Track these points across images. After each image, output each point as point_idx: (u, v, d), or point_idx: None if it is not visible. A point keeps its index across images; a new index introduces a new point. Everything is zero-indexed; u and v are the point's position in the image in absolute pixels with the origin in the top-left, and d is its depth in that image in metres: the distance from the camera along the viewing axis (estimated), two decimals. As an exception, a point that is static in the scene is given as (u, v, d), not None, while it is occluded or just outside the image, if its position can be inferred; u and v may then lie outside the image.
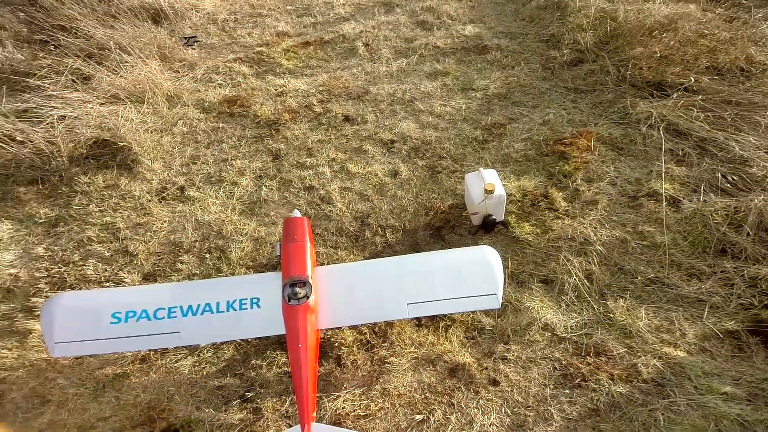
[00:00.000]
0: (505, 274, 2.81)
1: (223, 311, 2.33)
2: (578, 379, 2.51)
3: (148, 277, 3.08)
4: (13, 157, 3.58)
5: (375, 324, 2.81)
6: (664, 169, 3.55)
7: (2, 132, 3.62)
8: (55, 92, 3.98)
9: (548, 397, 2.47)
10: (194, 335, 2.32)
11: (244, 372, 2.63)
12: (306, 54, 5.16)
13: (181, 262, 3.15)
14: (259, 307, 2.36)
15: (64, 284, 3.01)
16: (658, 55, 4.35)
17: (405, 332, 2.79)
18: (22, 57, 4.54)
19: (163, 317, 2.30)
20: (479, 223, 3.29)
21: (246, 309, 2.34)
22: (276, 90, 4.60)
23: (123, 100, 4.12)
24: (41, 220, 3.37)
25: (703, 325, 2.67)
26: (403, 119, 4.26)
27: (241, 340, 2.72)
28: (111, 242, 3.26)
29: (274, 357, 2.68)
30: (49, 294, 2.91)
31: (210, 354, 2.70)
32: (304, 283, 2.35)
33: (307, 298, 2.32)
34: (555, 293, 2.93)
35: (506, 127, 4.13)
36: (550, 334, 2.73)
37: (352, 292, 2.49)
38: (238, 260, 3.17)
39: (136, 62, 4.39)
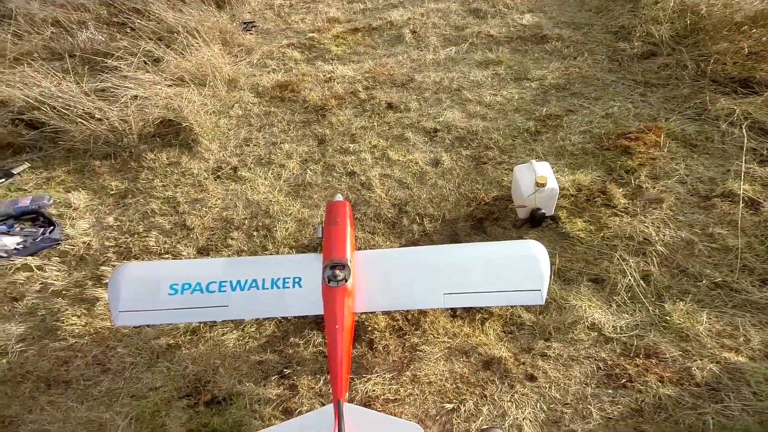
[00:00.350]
0: (551, 270, 2.93)
1: (268, 288, 2.62)
2: (624, 380, 2.62)
3: (202, 251, 3.54)
4: (91, 133, 4.27)
5: (408, 312, 3.07)
6: (744, 169, 3.57)
7: (84, 109, 4.32)
8: (129, 73, 4.69)
9: (588, 396, 2.60)
10: (241, 310, 2.61)
11: (283, 349, 2.96)
12: (354, 40, 5.65)
13: (232, 239, 3.60)
14: (300, 286, 2.63)
15: (129, 254, 3.53)
16: (746, 51, 4.38)
17: (439, 322, 3.02)
18: (102, 38, 5.37)
19: (214, 291, 2.60)
20: (526, 217, 3.47)
21: (288, 288, 2.62)
22: (324, 76, 5.10)
23: (187, 82, 4.77)
24: (112, 192, 4.01)
25: (772, 331, 2.70)
26: (449, 108, 4.56)
27: (282, 317, 3.08)
28: (171, 215, 3.80)
29: (311, 336, 3.01)
30: (116, 263, 3.43)
31: (253, 329, 3.07)
32: (344, 266, 2.60)
33: (346, 281, 2.57)
34: (605, 293, 3.05)
35: (563, 119, 4.30)
36: (596, 333, 2.86)
37: (389, 278, 2.70)
38: (282, 240, 3.57)
39: (200, 46, 5.05)
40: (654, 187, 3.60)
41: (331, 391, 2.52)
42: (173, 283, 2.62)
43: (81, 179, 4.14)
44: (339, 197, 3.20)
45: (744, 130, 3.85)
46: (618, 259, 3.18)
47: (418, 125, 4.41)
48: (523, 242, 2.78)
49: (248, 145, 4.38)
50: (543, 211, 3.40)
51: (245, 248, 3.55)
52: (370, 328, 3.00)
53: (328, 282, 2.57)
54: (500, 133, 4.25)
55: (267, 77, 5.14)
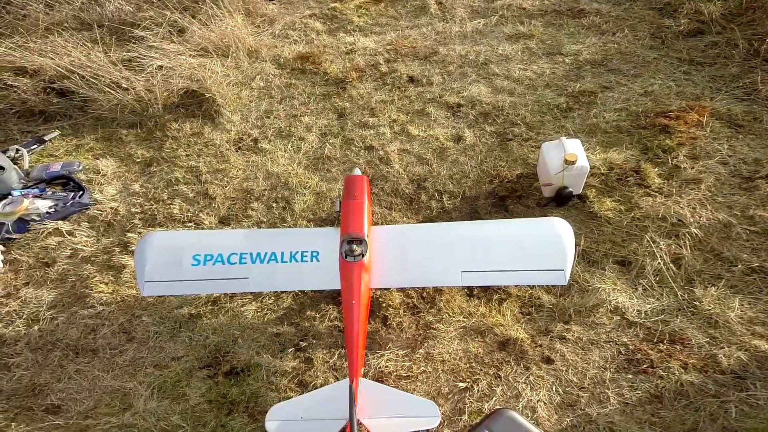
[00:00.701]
0: (575, 251, 2.89)
1: (287, 261, 2.67)
2: (645, 365, 2.59)
3: (223, 221, 3.67)
4: (118, 102, 4.47)
5: (424, 289, 3.11)
6: (794, 150, 3.43)
7: (111, 79, 4.51)
8: (155, 43, 4.85)
9: (607, 380, 2.58)
10: (260, 283, 2.69)
11: (300, 322, 3.06)
12: (377, 11, 5.62)
13: (252, 209, 3.71)
14: (318, 260, 2.68)
15: (154, 221, 3.69)
16: None
17: (455, 301, 3.05)
18: (130, 8, 5.54)
19: (235, 263, 2.67)
20: (551, 195, 3.44)
21: (306, 261, 2.67)
22: (346, 48, 5.12)
23: (211, 53, 4.90)
24: (138, 160, 4.19)
25: (810, 320, 2.61)
26: (474, 82, 4.51)
27: (299, 291, 3.18)
28: (194, 184, 3.95)
29: (327, 310, 3.09)
30: (142, 230, 3.60)
31: (271, 301, 3.17)
32: (361, 241, 2.63)
33: (363, 256, 2.60)
34: (632, 276, 3.00)
35: (597, 96, 4.20)
36: (619, 317, 2.83)
37: (406, 254, 2.72)
38: (301, 212, 3.66)
39: (224, 16, 5.15)
40: (693, 168, 3.50)
41: (346, 365, 2.59)
42: (196, 253, 2.69)
43: (109, 147, 4.33)
44: (357, 171, 3.24)
45: (798, 110, 3.69)
46: (648, 240, 3.12)
47: (440, 100, 4.39)
48: (547, 220, 2.73)
49: (269, 117, 4.47)
50: (570, 189, 3.35)
51: (264, 219, 3.65)
52: (384, 305, 3.05)
53: (345, 257, 2.61)
54: (528, 109, 4.18)
55: (288, 48, 5.20)
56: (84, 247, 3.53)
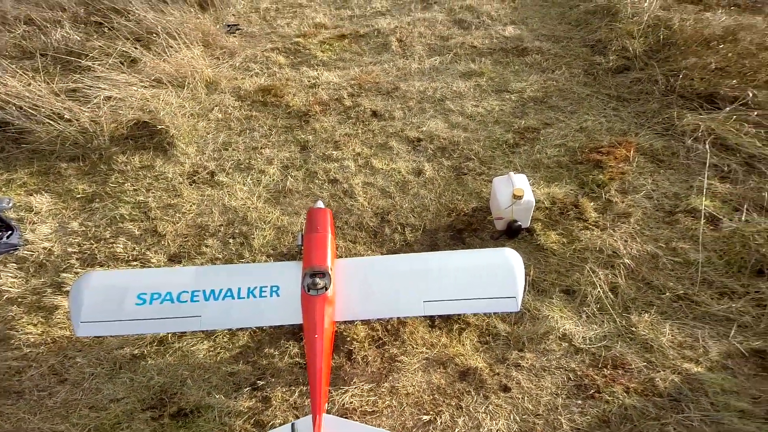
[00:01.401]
0: (526, 281, 3.00)
1: (244, 297, 2.53)
2: (592, 391, 2.68)
3: (174, 259, 3.44)
4: (59, 134, 4.07)
5: (388, 321, 3.06)
6: (706, 185, 3.67)
7: (52, 110, 4.12)
8: (103, 74, 4.50)
9: (559, 407, 2.65)
10: (214, 320, 2.52)
11: (257, 360, 2.88)
12: (341, 47, 5.57)
13: (206, 246, 3.50)
14: (278, 295, 2.55)
15: (94, 261, 3.39)
16: (713, 66, 4.47)
17: (418, 332, 3.03)
18: (78, 38, 5.13)
19: (186, 300, 2.51)
20: (503, 229, 3.50)
21: (266, 297, 2.54)
22: (309, 81, 5.02)
23: (165, 84, 4.61)
24: (79, 196, 3.82)
25: (728, 343, 2.79)
26: (432, 118, 4.55)
27: (257, 327, 3.00)
28: (142, 221, 3.65)
29: (287, 347, 2.95)
30: (79, 270, 3.28)
31: (225, 340, 2.99)
32: (324, 274, 2.53)
33: (326, 289, 2.50)
34: (576, 304, 3.11)
35: (540, 132, 4.34)
36: (567, 344, 2.91)
37: (370, 286, 2.66)
38: (260, 247, 3.50)
39: (180, 47, 4.89)
40: (623, 202, 3.67)
41: (309, 402, 2.48)
42: (141, 292, 2.51)
43: (45, 182, 3.94)
44: (320, 204, 3.13)
45: (707, 146, 3.95)
46: (588, 271, 3.24)
47: (402, 134, 4.39)
48: (499, 250, 2.79)
49: (227, 150, 4.26)
50: (519, 223, 3.43)
51: (220, 256, 3.46)
52: (349, 339, 2.98)
53: (308, 290, 2.51)
54: (480, 144, 4.26)
55: (249, 81, 5.02)
56: (10, 288, 3.20)
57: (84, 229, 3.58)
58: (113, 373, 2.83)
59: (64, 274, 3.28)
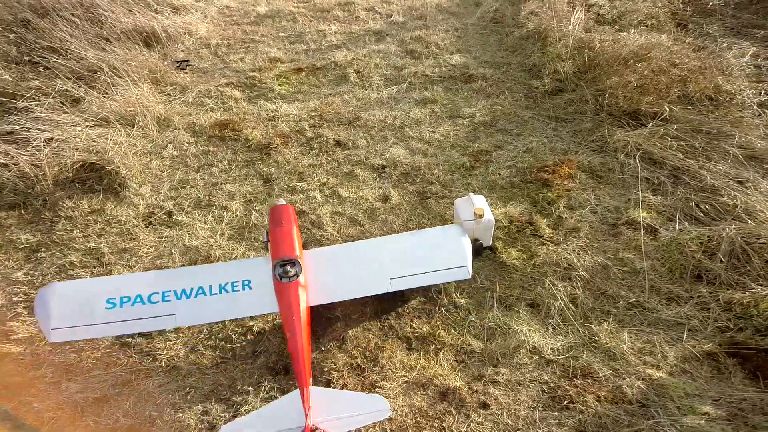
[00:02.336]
0: (493, 297, 3.08)
1: (216, 293, 2.50)
2: (566, 401, 2.60)
3: None
4: None
5: (366, 348, 2.86)
6: (641, 198, 3.75)
7: None
8: (42, 114, 3.98)
9: (537, 420, 2.54)
10: (189, 317, 2.46)
11: (230, 397, 2.62)
12: (298, 80, 5.33)
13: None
14: (251, 288, 2.55)
15: None
16: (634, 84, 4.58)
17: (396, 356, 2.84)
18: (10, 78, 4.53)
19: (158, 301, 2.45)
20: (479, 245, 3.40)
21: (238, 291, 2.53)
22: (268, 114, 4.72)
23: (113, 123, 4.14)
24: (22, 246, 3.32)
25: (683, 347, 2.81)
26: (394, 145, 4.42)
27: (225, 358, 2.76)
28: (94, 267, 3.23)
29: (261, 382, 2.68)
30: (27, 318, 2.88)
31: (194, 379, 2.69)
32: (294, 263, 2.57)
33: (297, 276, 2.53)
34: (542, 317, 3.04)
35: (492, 154, 4.32)
36: (537, 356, 2.83)
37: (338, 271, 2.73)
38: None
39: (127, 85, 4.44)
40: (571, 217, 3.68)
41: (296, 381, 2.33)
42: (110, 297, 2.43)
43: None
44: (281, 201, 3.07)
45: (638, 161, 4.06)
46: (549, 284, 3.20)
47: (366, 162, 4.22)
48: (447, 227, 3.05)
49: (185, 188, 3.88)
50: (481, 242, 3.35)
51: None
52: (327, 369, 2.75)
53: (280, 279, 2.52)
54: (440, 168, 4.17)
55: (204, 116, 4.65)
56: None
57: (30, 278, 3.13)
58: (75, 418, 2.48)
59: (11, 323, 2.87)
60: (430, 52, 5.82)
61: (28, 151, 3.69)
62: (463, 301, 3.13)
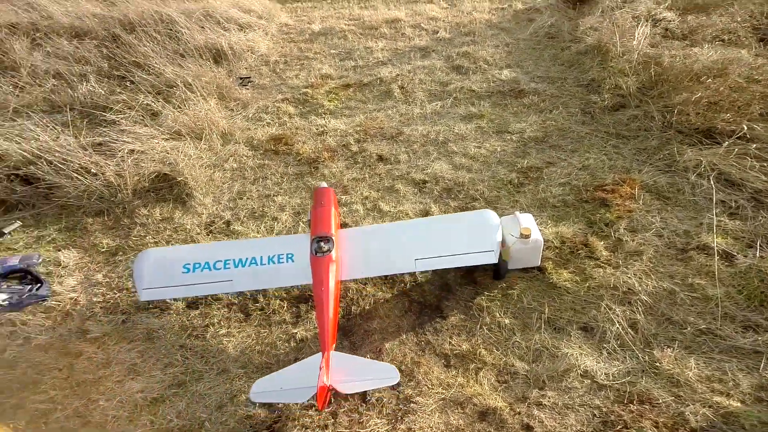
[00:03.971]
0: (541, 319, 3.19)
1: (265, 264, 3.07)
2: (619, 427, 2.59)
3: (191, 306, 3.47)
4: (86, 188, 4.19)
5: (402, 362, 3.03)
6: (715, 222, 3.69)
7: (80, 164, 4.26)
8: (127, 127, 4.70)
9: (587, 446, 2.56)
10: (243, 284, 3.07)
11: (273, 404, 2.85)
12: (346, 96, 5.90)
13: (223, 294, 3.50)
14: (293, 261, 3.07)
15: (116, 309, 3.45)
16: (706, 101, 4.59)
17: (432, 372, 2.98)
18: (102, 92, 5.42)
19: (220, 268, 3.06)
20: (514, 268, 3.51)
21: (283, 263, 3.07)
22: (317, 129, 5.27)
23: (184, 136, 4.82)
24: (103, 250, 3.89)
25: (759, 375, 2.73)
26: (436, 160, 4.72)
27: (269, 363, 3.11)
28: None
29: None
30: (102, 319, 3.34)
31: (242, 382, 2.99)
32: (328, 239, 3.05)
33: (330, 251, 3.01)
34: (596, 341, 3.08)
35: (543, 171, 4.48)
36: (589, 381, 2.85)
37: (367, 249, 3.17)
38: (274, 292, 3.52)
39: (198, 100, 5.17)
40: (633, 240, 3.69)
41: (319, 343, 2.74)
42: (186, 263, 3.08)
43: (72, 237, 4.04)
44: (324, 184, 3.65)
45: (712, 182, 4.01)
46: (605, 308, 3.23)
47: (407, 177, 4.54)
48: (479, 212, 3.40)
49: (242, 199, 4.39)
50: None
51: (235, 301, 3.50)
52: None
53: (315, 253, 3.01)
54: (485, 184, 4.38)
55: (262, 131, 5.27)
56: (38, 336, 3.25)
57: (108, 280, 3.65)
58: (134, 416, 2.86)
59: (89, 322, 3.33)
60: (478, 68, 6.21)
61: (114, 161, 4.35)
62: (507, 321, 3.25)
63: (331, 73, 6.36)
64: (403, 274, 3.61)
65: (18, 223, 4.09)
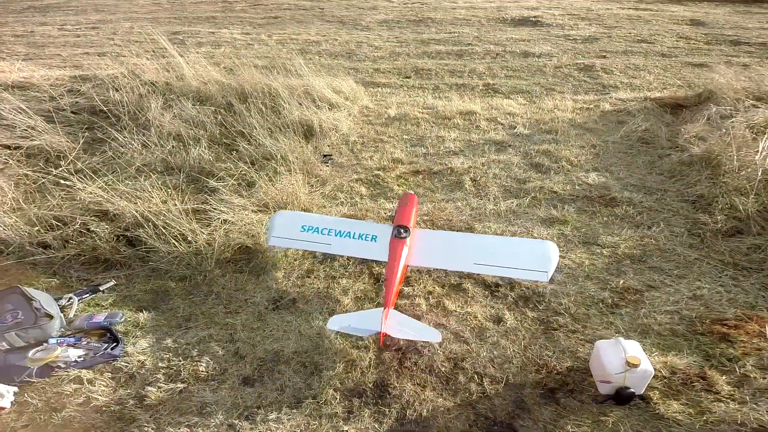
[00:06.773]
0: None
1: (355, 239, 3.91)
2: None
3: (247, 382, 3.25)
4: (178, 254, 4.28)
5: None
6: None
7: (180, 230, 4.37)
8: (226, 197, 4.91)
9: None
10: (338, 249, 3.93)
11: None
12: (415, 182, 5.76)
13: (279, 372, 3.29)
14: (375, 241, 3.88)
15: (178, 376, 3.29)
16: None
17: None
18: (210, 158, 5.70)
19: (325, 233, 3.97)
20: (610, 393, 2.98)
21: (368, 241, 3.90)
22: (386, 214, 5.10)
23: (270, 209, 4.92)
24: (178, 315, 3.87)
25: None
26: (513, 262, 4.29)
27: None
28: (226, 342, 3.57)
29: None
30: (162, 386, 3.20)
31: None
32: (407, 229, 3.86)
33: (406, 238, 3.79)
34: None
35: (644, 294, 3.88)
36: None
37: (434, 246, 3.84)
38: (328, 379, 3.21)
39: (287, 174, 5.36)
40: (764, 378, 3.06)
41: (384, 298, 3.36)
42: (303, 224, 4.05)
43: (154, 299, 4.06)
44: (410, 191, 4.89)
45: None
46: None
47: (477, 277, 4.13)
48: (541, 241, 3.90)
49: (309, 278, 4.24)
50: (632, 390, 2.92)
51: (289, 384, 3.21)
52: None
53: (395, 237, 3.81)
54: (571, 299, 3.87)
55: (335, 209, 5.21)
56: (99, 396, 3.14)
57: (176, 345, 3.57)
58: None
59: (149, 387, 3.21)
60: (561, 168, 5.86)
61: (208, 230, 4.45)
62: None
63: (402, 157, 6.31)
64: (468, 386, 3.14)
65: (113, 282, 4.20)
